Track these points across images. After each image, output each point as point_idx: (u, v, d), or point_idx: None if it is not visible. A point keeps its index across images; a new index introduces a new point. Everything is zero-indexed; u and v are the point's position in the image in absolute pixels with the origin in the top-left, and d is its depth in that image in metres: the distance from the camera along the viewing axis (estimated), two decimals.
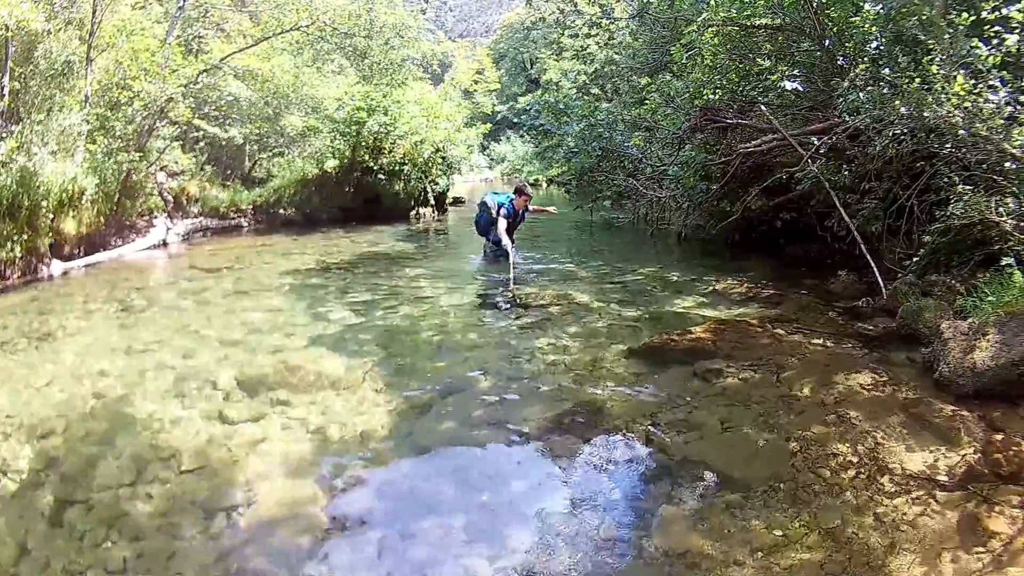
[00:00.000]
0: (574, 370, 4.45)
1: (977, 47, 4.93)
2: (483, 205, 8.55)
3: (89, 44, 9.20)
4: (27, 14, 7.25)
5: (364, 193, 13.83)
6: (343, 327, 5.59)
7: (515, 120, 31.83)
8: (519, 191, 8.33)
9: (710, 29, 7.60)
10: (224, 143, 12.92)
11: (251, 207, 13.04)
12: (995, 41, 4.91)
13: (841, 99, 6.18)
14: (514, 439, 3.52)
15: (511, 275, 7.06)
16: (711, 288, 6.73)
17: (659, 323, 5.53)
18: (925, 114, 5.13)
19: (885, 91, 5.65)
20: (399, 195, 14.22)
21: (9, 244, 7.00)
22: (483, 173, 38.15)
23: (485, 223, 8.57)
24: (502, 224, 8.02)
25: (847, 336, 4.94)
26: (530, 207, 8.60)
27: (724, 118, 7.70)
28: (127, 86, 9.51)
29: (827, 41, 7.01)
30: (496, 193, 8.60)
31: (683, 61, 8.74)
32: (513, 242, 8.16)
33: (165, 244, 10.43)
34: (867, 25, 6.19)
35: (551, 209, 9.95)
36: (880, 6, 6.02)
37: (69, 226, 8.28)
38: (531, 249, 9.58)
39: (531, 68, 43.78)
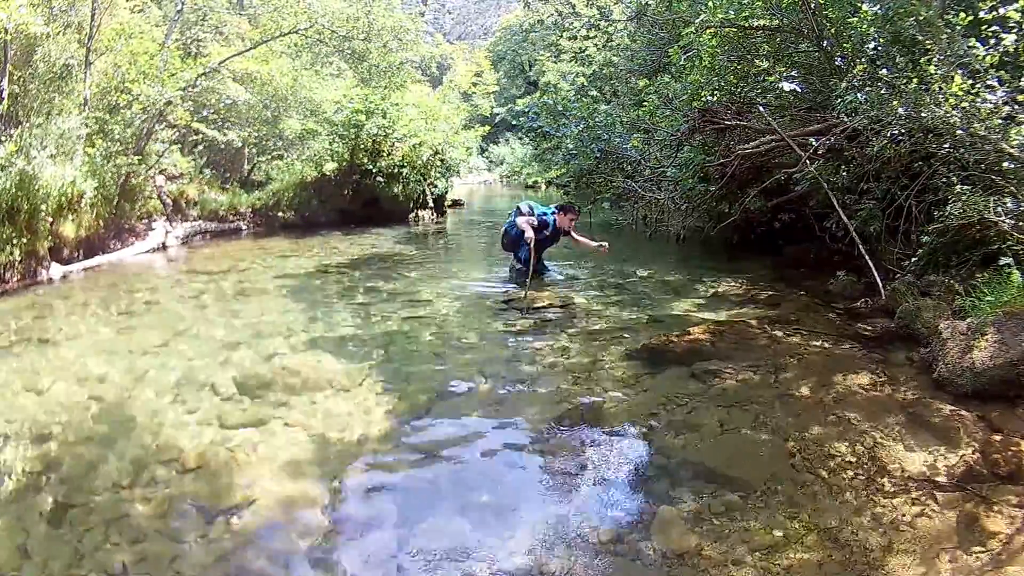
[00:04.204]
0: (573, 372, 4.45)
1: (975, 47, 4.94)
2: (516, 212, 7.30)
3: (88, 47, 9.21)
4: (26, 17, 7.25)
5: (363, 196, 13.83)
6: (342, 330, 5.59)
7: (514, 122, 31.84)
8: (565, 209, 7.28)
9: (708, 30, 7.61)
10: (223, 146, 12.92)
11: (250, 210, 13.03)
12: (992, 41, 4.92)
13: (839, 100, 6.19)
14: (513, 441, 3.52)
15: (528, 279, 6.80)
16: (710, 289, 6.74)
17: (657, 325, 5.53)
18: (923, 114, 5.14)
19: (883, 91, 5.66)
20: (398, 198, 14.22)
21: (8, 247, 6.98)
22: (482, 175, 38.16)
23: (516, 236, 7.23)
24: (527, 219, 6.95)
25: (846, 336, 4.95)
26: (574, 234, 7.43)
27: (722, 119, 7.70)
28: (126, 89, 9.52)
29: (825, 42, 7.02)
30: (535, 203, 7.44)
31: (681, 63, 8.75)
32: (537, 262, 7.22)
33: (164, 247, 10.42)
34: (865, 26, 6.20)
35: (604, 246, 7.21)
36: (878, 7, 6.03)
37: (68, 229, 8.28)
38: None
39: (529, 70, 43.75)
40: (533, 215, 7.10)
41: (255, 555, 2.59)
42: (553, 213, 7.26)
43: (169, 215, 11.06)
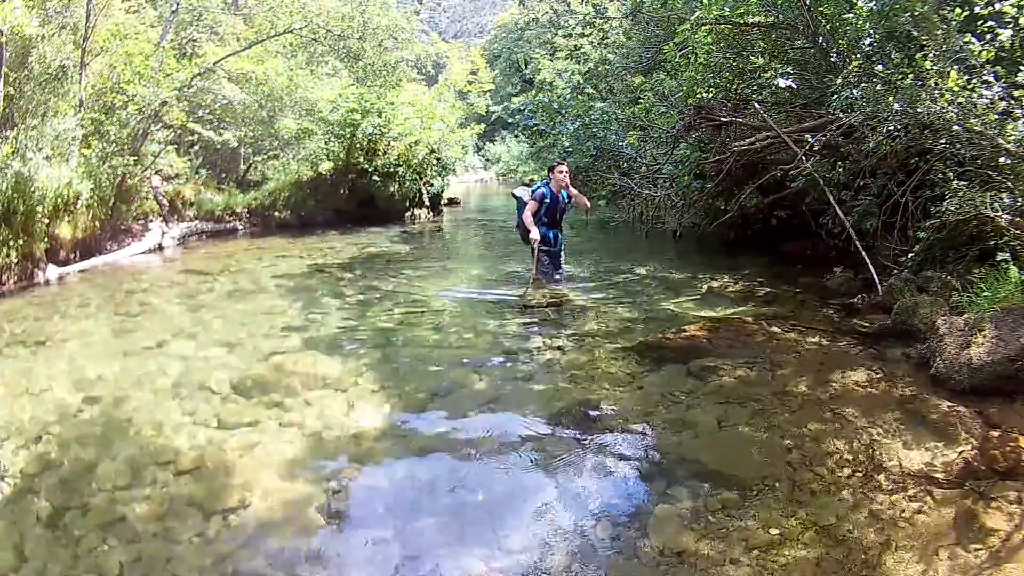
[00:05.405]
0: (569, 370, 4.44)
1: (970, 42, 4.93)
2: (520, 202, 7.25)
3: (83, 49, 9.18)
4: (21, 19, 7.23)
5: (359, 195, 13.80)
6: (339, 329, 5.59)
7: (510, 120, 31.76)
8: (552, 169, 7.08)
9: (703, 27, 7.60)
10: (219, 146, 12.89)
11: (246, 210, 12.99)
12: (988, 36, 4.91)
13: (835, 96, 6.19)
14: (509, 439, 3.51)
15: (532, 273, 6.74)
16: (706, 286, 6.74)
17: (654, 322, 5.53)
18: (919, 110, 5.13)
19: (879, 87, 5.65)
20: (394, 196, 14.18)
21: (5, 249, 6.96)
22: (478, 174, 38.10)
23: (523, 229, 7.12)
24: (529, 207, 6.89)
25: (842, 333, 4.95)
26: (571, 191, 7.16)
27: (718, 116, 7.69)
28: (121, 90, 9.50)
29: (820, 38, 7.02)
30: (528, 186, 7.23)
31: (677, 60, 8.74)
32: (559, 236, 7.25)
33: (160, 248, 10.39)
34: (860, 22, 6.20)
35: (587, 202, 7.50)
36: (873, 2, 6.02)
37: (64, 231, 8.26)
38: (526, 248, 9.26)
39: (525, 68, 43.58)
40: (532, 195, 7.04)
41: (252, 555, 2.58)
42: (546, 182, 7.09)
43: (165, 216, 11.03)
